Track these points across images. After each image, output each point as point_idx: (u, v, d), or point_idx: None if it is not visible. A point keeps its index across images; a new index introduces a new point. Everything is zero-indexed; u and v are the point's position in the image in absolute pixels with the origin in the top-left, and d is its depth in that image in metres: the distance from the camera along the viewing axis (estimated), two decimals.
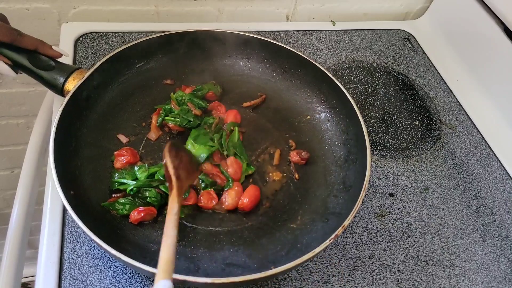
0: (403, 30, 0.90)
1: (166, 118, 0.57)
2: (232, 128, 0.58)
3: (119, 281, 0.46)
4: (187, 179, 0.45)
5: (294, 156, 0.58)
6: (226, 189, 0.52)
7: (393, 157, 0.67)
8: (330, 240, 0.42)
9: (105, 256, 0.47)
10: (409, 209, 0.60)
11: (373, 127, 0.71)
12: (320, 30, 0.84)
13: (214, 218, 0.51)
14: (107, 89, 0.57)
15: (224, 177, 0.53)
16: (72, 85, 0.51)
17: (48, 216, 0.49)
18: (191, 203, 0.51)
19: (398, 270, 0.53)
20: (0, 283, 0.47)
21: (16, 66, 0.50)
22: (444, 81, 0.81)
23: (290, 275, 0.50)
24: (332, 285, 0.50)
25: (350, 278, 0.51)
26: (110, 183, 0.51)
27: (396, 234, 0.57)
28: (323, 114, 0.62)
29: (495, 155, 0.70)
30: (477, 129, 0.74)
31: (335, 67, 0.79)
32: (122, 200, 0.48)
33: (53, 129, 0.46)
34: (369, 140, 0.54)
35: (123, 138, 0.55)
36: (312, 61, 0.60)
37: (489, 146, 0.72)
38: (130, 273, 0.47)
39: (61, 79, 0.51)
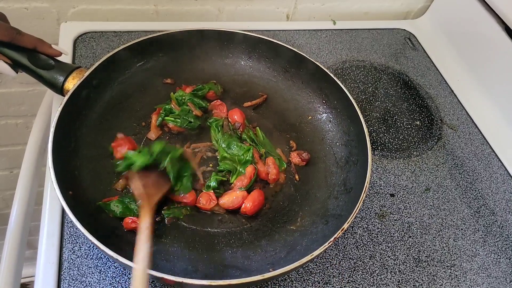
0: (404, 30, 0.90)
1: (166, 118, 0.57)
2: (253, 126, 0.59)
3: (118, 282, 0.46)
4: (156, 194, 0.47)
5: (294, 157, 0.58)
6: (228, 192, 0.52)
7: (394, 157, 0.66)
8: (329, 243, 0.42)
9: (105, 257, 0.47)
10: (410, 209, 0.60)
11: (374, 127, 0.70)
12: (321, 30, 0.84)
13: (213, 219, 0.51)
14: (107, 89, 0.56)
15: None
16: (71, 84, 0.50)
17: (47, 217, 0.49)
18: (189, 203, 0.50)
19: (399, 271, 0.53)
20: None
21: (16, 65, 0.49)
22: (445, 81, 0.81)
23: (290, 276, 0.50)
24: (332, 286, 0.50)
25: (351, 279, 0.51)
26: (114, 170, 0.50)
27: (397, 235, 0.57)
28: (325, 115, 0.61)
29: (496, 155, 0.70)
30: (478, 129, 0.74)
31: (335, 66, 0.78)
32: (116, 202, 0.48)
33: (52, 129, 0.46)
34: (370, 140, 0.54)
35: (121, 136, 0.55)
36: (313, 60, 0.60)
37: (490, 146, 0.71)
38: (129, 274, 0.46)
39: (61, 78, 0.50)
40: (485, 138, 0.72)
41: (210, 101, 0.61)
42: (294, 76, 0.64)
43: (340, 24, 0.87)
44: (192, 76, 0.63)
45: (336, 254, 0.53)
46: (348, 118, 0.58)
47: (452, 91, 0.79)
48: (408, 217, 0.59)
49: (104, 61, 0.54)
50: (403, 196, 0.62)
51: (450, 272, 0.54)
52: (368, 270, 0.52)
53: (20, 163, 0.57)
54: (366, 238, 0.55)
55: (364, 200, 0.48)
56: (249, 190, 0.53)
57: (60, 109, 0.48)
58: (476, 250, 0.57)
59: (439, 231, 0.58)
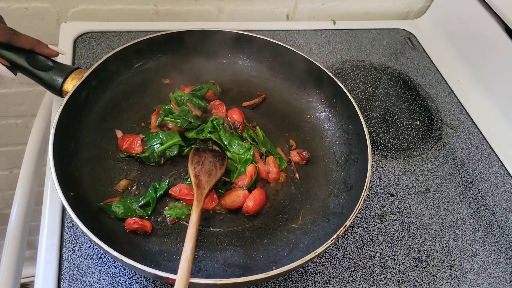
0: (404, 30, 0.90)
1: (166, 118, 0.57)
2: (252, 125, 0.60)
3: (119, 282, 0.46)
4: (208, 181, 0.49)
5: (294, 156, 0.58)
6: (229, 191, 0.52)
7: (394, 157, 0.66)
8: (332, 240, 0.42)
9: (105, 256, 0.47)
10: (410, 209, 0.60)
11: (374, 127, 0.70)
12: (321, 30, 0.84)
13: (215, 218, 0.51)
14: (106, 89, 0.56)
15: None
16: (71, 85, 0.50)
17: (47, 217, 0.49)
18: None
19: (399, 271, 0.53)
20: None
21: (14, 67, 0.49)
22: (445, 81, 0.81)
23: (290, 275, 0.50)
24: (332, 286, 0.50)
25: (351, 279, 0.51)
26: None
27: (397, 235, 0.57)
28: (323, 113, 0.62)
29: (496, 155, 0.70)
30: (478, 129, 0.74)
31: (335, 66, 0.78)
32: (117, 203, 0.48)
33: (52, 130, 0.46)
34: (370, 140, 0.54)
35: (119, 133, 0.55)
36: (312, 60, 0.60)
37: (490, 146, 0.71)
38: (129, 274, 0.46)
39: (60, 80, 0.50)
40: (485, 138, 0.72)
41: (209, 101, 0.61)
42: (292, 75, 0.64)
43: (340, 24, 0.87)
44: (191, 76, 0.63)
45: (336, 254, 0.53)
46: (347, 116, 0.58)
47: (452, 91, 0.79)
48: (408, 217, 0.59)
49: (103, 62, 0.54)
50: (403, 196, 0.62)
51: (450, 272, 0.54)
52: (368, 270, 0.52)
53: (20, 163, 0.57)
54: (366, 238, 0.55)
55: (364, 200, 0.48)
56: (250, 189, 0.53)
57: (59, 110, 0.48)
58: (476, 250, 0.57)
59: (439, 231, 0.58)
